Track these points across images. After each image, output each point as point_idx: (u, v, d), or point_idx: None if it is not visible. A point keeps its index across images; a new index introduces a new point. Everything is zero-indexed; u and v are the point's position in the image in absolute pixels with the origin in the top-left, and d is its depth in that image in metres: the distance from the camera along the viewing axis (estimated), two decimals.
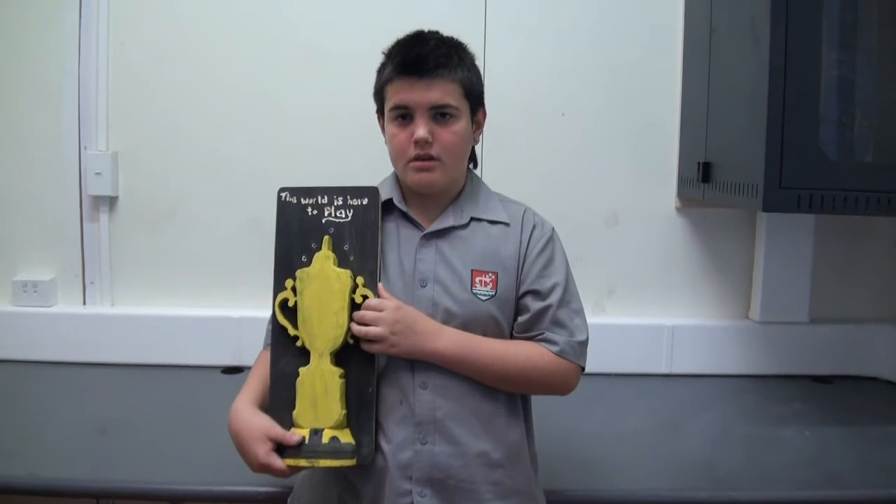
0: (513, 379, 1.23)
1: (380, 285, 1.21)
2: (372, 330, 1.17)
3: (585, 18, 2.06)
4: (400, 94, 1.21)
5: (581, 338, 1.25)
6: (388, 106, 1.23)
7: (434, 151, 1.20)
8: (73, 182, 2.09)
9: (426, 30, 1.26)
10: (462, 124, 1.22)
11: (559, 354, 1.23)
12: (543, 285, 1.25)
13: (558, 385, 1.26)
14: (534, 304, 1.24)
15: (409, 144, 1.21)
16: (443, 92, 1.19)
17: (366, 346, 1.18)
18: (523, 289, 1.25)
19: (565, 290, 1.26)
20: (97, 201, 2.10)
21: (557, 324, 1.24)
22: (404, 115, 1.21)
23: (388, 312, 1.17)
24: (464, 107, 1.22)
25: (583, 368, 1.27)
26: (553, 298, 1.24)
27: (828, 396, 1.98)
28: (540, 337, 1.24)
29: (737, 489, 1.45)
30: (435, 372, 1.19)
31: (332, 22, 2.05)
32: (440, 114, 1.20)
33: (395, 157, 1.25)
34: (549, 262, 1.27)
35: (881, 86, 1.53)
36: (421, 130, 1.19)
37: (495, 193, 1.33)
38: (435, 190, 1.26)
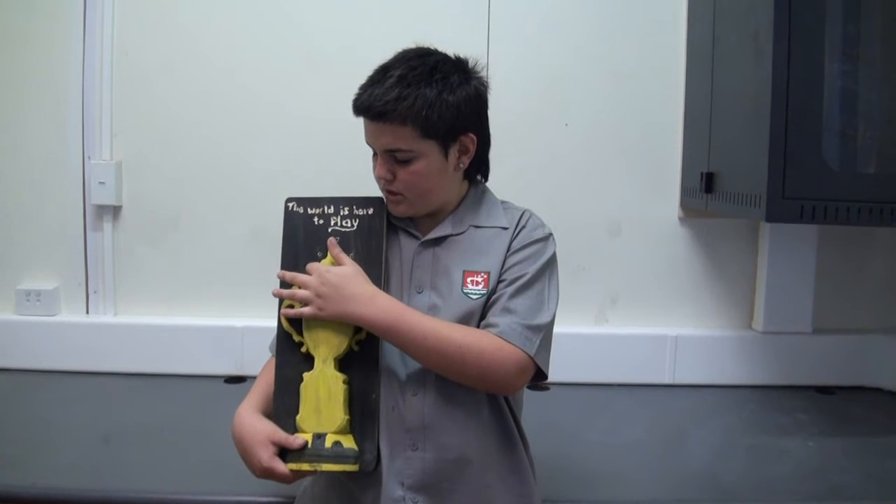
0: (447, 357, 1.14)
1: (330, 240, 1.22)
2: (298, 292, 1.18)
3: (588, 29, 2.07)
4: (365, 132, 1.22)
5: (531, 322, 1.16)
6: None
7: (394, 188, 1.22)
8: (76, 191, 2.09)
9: (408, 50, 1.22)
10: (422, 163, 1.18)
11: (500, 336, 1.15)
12: (509, 276, 1.20)
13: (497, 372, 1.15)
14: (496, 293, 1.21)
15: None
16: (392, 136, 1.17)
17: (292, 312, 1.19)
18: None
19: (528, 284, 1.19)
20: (101, 210, 2.10)
21: (507, 311, 1.17)
22: (374, 151, 1.23)
23: (315, 276, 1.18)
24: (422, 146, 1.17)
25: (539, 368, 1.17)
26: (511, 287, 1.19)
27: (831, 407, 1.97)
28: (483, 323, 1.19)
29: (739, 500, 1.45)
30: (425, 380, 1.19)
31: (340, 32, 2.05)
32: (394, 156, 1.20)
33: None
34: (528, 258, 1.22)
35: (884, 96, 1.54)
36: (378, 170, 1.22)
37: (503, 202, 1.32)
38: (412, 215, 1.26)
